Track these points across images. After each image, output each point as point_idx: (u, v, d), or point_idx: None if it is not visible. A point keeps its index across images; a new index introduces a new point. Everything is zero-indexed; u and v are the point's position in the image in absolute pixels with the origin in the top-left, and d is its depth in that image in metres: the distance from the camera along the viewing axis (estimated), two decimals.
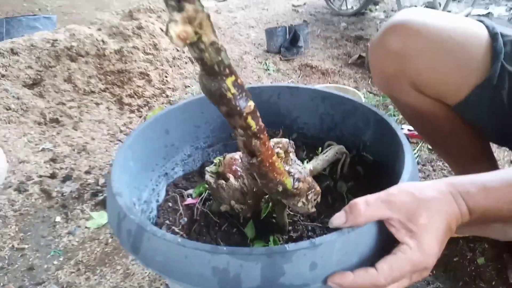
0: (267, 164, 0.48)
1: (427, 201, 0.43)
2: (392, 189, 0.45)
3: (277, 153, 0.50)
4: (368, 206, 0.44)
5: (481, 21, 0.67)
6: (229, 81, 0.40)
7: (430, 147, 1.29)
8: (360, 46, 2.04)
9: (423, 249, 0.42)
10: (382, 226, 0.46)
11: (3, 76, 1.60)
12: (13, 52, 1.66)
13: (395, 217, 0.43)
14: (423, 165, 1.23)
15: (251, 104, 0.43)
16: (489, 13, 2.51)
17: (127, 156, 0.65)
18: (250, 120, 0.43)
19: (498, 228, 0.87)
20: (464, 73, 0.64)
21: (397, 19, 0.69)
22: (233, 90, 0.41)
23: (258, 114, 0.45)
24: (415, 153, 1.25)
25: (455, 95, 0.67)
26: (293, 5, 2.90)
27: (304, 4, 2.92)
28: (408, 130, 1.30)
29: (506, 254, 0.88)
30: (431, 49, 0.65)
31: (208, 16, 0.37)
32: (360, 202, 0.45)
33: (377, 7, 2.66)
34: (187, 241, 0.45)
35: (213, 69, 0.39)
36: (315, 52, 2.03)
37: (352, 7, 2.59)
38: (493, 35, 0.63)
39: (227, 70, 0.40)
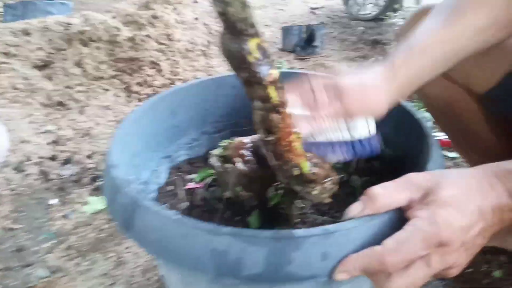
0: (284, 144, 0.43)
1: (455, 178, 0.38)
2: (412, 173, 0.40)
3: (296, 133, 0.45)
4: (385, 189, 0.39)
5: None
6: (252, 42, 0.36)
7: (446, 154, 1.23)
8: (377, 50, 1.99)
9: (436, 218, 0.35)
10: (403, 215, 0.41)
11: (13, 55, 1.58)
12: (25, 32, 1.65)
13: (415, 198, 0.38)
14: None
15: (275, 72, 0.38)
16: None
17: (129, 132, 0.61)
18: (271, 90, 0.39)
19: None
20: (499, 58, 0.59)
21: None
22: (255, 54, 0.36)
23: (282, 85, 0.40)
24: None
25: (486, 82, 0.62)
26: (311, 7, 2.87)
27: (322, 7, 2.88)
28: (436, 123, 1.24)
29: None
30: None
31: None
32: (377, 187, 0.40)
33: (396, 14, 2.61)
34: (184, 218, 0.40)
35: (236, 26, 0.34)
36: (331, 53, 1.98)
37: (370, 13, 2.55)
38: None
39: (252, 30, 0.35)
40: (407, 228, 0.36)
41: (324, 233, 0.39)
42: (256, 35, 0.36)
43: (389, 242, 0.36)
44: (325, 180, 0.49)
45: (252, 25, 0.35)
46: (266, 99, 0.40)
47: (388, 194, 0.39)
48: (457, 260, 0.37)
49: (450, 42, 0.51)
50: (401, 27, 0.72)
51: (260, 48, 0.37)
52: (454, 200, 0.36)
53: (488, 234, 0.38)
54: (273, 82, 0.39)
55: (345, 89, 0.49)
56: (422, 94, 0.76)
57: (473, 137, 0.74)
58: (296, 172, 0.44)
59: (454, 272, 0.38)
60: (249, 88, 0.40)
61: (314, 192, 0.48)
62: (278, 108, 0.40)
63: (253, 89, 0.39)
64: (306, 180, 0.46)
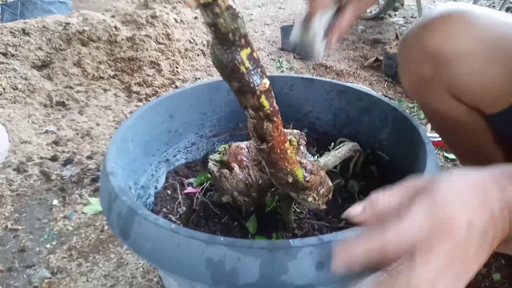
0: (278, 151, 0.43)
1: (454, 178, 0.34)
2: (413, 178, 0.38)
3: (290, 140, 0.46)
4: (386, 192, 0.36)
5: None
6: (244, 53, 0.36)
7: (446, 155, 1.23)
8: (377, 49, 1.98)
9: (436, 196, 0.32)
10: None
11: (12, 55, 1.58)
12: (24, 32, 1.64)
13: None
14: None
15: (266, 82, 0.38)
16: None
17: (126, 137, 0.61)
18: (263, 100, 0.39)
19: None
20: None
21: (441, 11, 0.60)
22: (247, 64, 0.37)
23: (273, 94, 0.40)
24: None
25: (497, 104, 0.59)
26: None
27: None
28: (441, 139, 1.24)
29: None
30: (476, 52, 0.57)
31: None
32: (379, 192, 0.37)
33: (397, 12, 2.60)
34: (181, 228, 0.41)
35: (227, 37, 0.34)
36: (331, 53, 1.98)
37: (371, 11, 2.54)
38: None
39: (243, 41, 0.35)
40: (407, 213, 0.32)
41: (319, 243, 0.39)
42: (246, 45, 0.36)
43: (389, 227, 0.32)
44: (320, 187, 0.49)
45: (243, 36, 0.35)
46: (258, 108, 0.40)
47: (388, 197, 0.37)
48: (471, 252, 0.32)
49: None
50: (404, 37, 0.66)
51: (251, 58, 0.37)
52: (457, 194, 0.33)
53: (489, 239, 0.33)
54: (265, 91, 0.39)
55: None
56: (428, 109, 0.71)
57: (479, 154, 0.71)
58: (290, 179, 0.45)
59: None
60: (241, 97, 0.40)
61: (309, 199, 0.48)
62: (270, 116, 0.41)
63: (246, 98, 0.40)
64: (300, 187, 0.46)
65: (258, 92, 0.38)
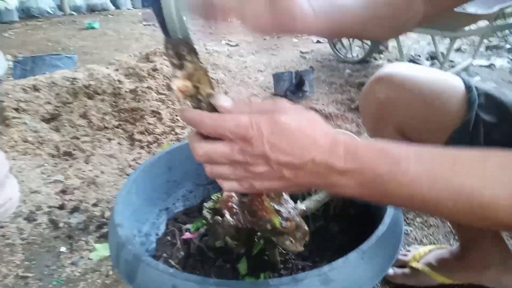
0: (257, 203, 0.52)
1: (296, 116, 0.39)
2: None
3: (266, 194, 0.55)
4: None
5: (459, 75, 0.73)
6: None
7: None
8: None
9: (261, 120, 0.37)
10: (373, 263, 0.49)
11: (24, 110, 1.71)
12: (35, 88, 1.78)
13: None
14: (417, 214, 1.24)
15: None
16: (491, 64, 2.59)
17: (131, 190, 0.70)
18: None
19: (493, 276, 0.87)
20: (443, 121, 0.70)
21: (383, 72, 0.76)
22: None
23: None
24: None
25: (437, 141, 0.71)
26: (301, 52, 3.04)
27: (312, 51, 3.06)
28: None
29: None
30: (412, 99, 0.71)
31: (206, 72, 0.43)
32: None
33: (381, 55, 2.77)
34: (177, 272, 0.49)
35: None
36: (320, 97, 2.11)
37: (357, 55, 2.70)
38: (468, 87, 0.69)
39: None
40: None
41: (293, 281, 0.47)
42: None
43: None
44: (296, 232, 0.57)
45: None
46: None
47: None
48: (256, 169, 0.38)
49: None
50: (362, 89, 0.82)
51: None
52: (292, 121, 0.37)
53: (301, 177, 0.38)
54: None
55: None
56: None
57: None
58: (268, 226, 0.53)
59: (254, 185, 0.40)
60: None
61: (287, 242, 0.56)
62: None
63: None
64: (278, 232, 0.55)
65: None
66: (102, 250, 1.13)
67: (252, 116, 0.37)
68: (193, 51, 0.39)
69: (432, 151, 0.39)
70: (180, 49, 0.38)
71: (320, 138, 0.38)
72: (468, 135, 0.67)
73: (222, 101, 0.41)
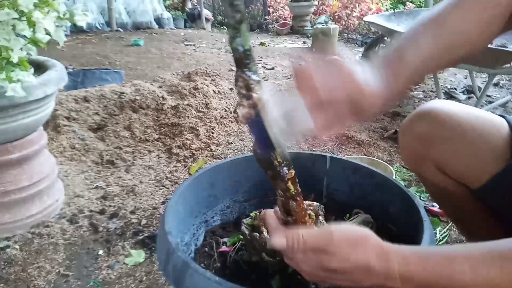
0: (300, 224, 0.56)
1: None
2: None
3: (309, 214, 0.59)
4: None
5: (503, 116, 0.74)
6: (277, 151, 0.51)
7: None
8: (397, 121, 2.13)
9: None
10: None
11: (74, 119, 1.84)
12: (85, 99, 1.92)
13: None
14: (451, 244, 1.23)
15: (292, 172, 0.53)
16: None
17: (178, 201, 0.76)
18: (290, 185, 0.53)
19: None
20: (485, 161, 0.69)
21: (425, 108, 0.77)
22: (279, 159, 0.51)
23: (297, 180, 0.54)
24: (444, 232, 1.27)
25: (476, 180, 0.72)
26: None
27: None
28: (439, 208, 1.32)
29: None
30: (453, 137, 0.72)
31: (266, 102, 0.49)
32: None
33: (417, 87, 2.77)
34: (223, 280, 0.53)
35: (268, 145, 0.50)
36: (352, 123, 2.13)
37: None
38: None
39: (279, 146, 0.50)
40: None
41: None
42: (279, 146, 0.51)
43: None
44: None
45: (279, 145, 0.50)
46: (286, 190, 0.54)
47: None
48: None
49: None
50: (402, 124, 0.83)
51: (283, 155, 0.52)
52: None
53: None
54: (291, 178, 0.53)
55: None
56: (424, 181, 0.85)
57: (469, 221, 0.82)
58: None
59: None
60: (274, 181, 0.54)
61: None
62: (295, 197, 0.54)
63: (277, 182, 0.54)
64: None
65: (286, 179, 0.53)
66: (137, 256, 1.19)
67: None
68: (259, 84, 0.45)
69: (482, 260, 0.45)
70: (250, 83, 0.43)
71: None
72: (509, 178, 0.67)
73: (277, 243, 0.52)
